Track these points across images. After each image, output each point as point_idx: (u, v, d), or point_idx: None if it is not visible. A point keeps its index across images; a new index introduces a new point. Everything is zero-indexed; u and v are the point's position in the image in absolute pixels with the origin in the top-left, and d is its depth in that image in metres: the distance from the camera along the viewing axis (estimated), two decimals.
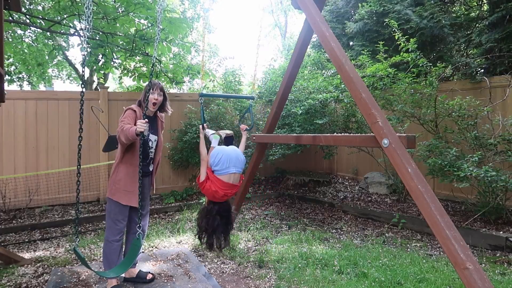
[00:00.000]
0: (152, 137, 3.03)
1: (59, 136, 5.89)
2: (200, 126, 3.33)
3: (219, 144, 3.24)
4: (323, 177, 7.50)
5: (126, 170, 2.88)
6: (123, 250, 3.12)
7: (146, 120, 2.61)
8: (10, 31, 7.16)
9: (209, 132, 3.33)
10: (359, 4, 7.59)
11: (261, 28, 9.44)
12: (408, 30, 6.42)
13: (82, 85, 2.53)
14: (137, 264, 3.26)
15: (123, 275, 3.15)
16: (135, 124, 2.84)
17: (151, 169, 3.12)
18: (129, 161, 2.88)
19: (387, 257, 3.65)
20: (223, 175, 2.95)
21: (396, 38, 5.35)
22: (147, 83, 3.06)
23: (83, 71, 2.55)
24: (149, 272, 3.19)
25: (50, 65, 10.65)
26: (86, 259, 3.69)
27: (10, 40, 7.49)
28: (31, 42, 9.21)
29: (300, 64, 3.88)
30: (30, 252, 4.03)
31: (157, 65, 6.38)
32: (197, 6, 14.09)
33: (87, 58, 2.54)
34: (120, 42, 5.96)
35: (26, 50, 8.90)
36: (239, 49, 35.87)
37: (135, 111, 2.90)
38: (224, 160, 2.97)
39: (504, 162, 4.31)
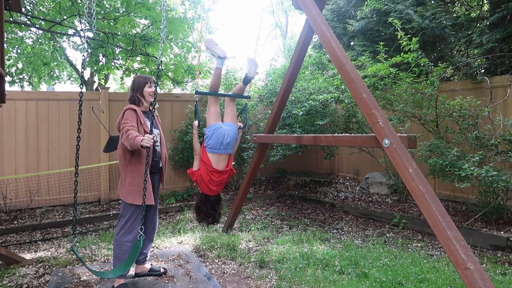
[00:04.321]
0: (155, 131, 3.06)
1: (60, 137, 5.89)
2: (195, 122, 3.51)
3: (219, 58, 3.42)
4: (324, 178, 7.50)
5: (137, 170, 2.88)
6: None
7: (154, 135, 2.67)
8: (17, 32, 7.16)
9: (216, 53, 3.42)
10: (365, 3, 7.56)
11: (261, 26, 9.40)
12: (409, 30, 6.42)
13: (81, 86, 2.55)
14: (147, 259, 3.28)
15: (133, 271, 3.18)
16: (137, 124, 2.87)
17: (160, 165, 3.14)
18: (139, 160, 2.89)
19: (388, 257, 3.64)
20: (212, 154, 3.28)
21: (399, 38, 5.34)
22: (133, 78, 3.13)
23: (82, 72, 2.57)
24: (161, 267, 3.31)
25: (51, 65, 10.68)
26: (87, 260, 3.69)
27: (15, 46, 7.49)
28: (33, 43, 9.22)
29: (301, 65, 3.88)
30: (31, 252, 4.04)
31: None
32: (198, 6, 14.13)
33: (87, 58, 2.58)
34: (121, 43, 5.96)
35: (30, 48, 8.91)
36: (239, 50, 35.88)
37: (135, 110, 2.91)
38: (216, 138, 3.26)
39: (505, 162, 4.30)
